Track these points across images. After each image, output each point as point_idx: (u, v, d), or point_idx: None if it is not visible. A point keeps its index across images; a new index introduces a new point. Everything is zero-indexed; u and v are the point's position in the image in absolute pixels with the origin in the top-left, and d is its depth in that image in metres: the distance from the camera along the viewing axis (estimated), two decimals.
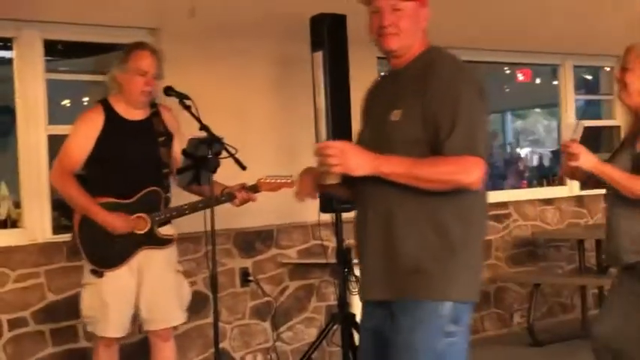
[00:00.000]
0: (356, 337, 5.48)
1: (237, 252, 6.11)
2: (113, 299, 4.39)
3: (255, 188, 4.64)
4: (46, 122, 5.50)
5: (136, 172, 4.40)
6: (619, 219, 3.80)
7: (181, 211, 4.52)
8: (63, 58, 6.14)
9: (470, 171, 2.79)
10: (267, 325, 6.20)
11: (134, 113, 4.46)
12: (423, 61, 3.00)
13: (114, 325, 4.43)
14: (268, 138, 6.26)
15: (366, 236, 2.97)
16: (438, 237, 2.84)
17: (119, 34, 5.73)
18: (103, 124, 4.41)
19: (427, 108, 2.84)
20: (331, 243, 6.04)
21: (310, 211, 5.53)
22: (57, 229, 5.54)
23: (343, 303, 5.50)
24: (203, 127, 4.34)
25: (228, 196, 4.56)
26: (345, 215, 5.66)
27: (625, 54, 3.89)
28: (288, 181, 4.62)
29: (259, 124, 6.21)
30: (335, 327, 5.53)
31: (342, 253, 5.54)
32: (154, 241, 4.44)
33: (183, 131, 4.63)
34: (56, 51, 5.79)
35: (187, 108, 4.39)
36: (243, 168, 4.39)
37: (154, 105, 4.61)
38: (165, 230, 4.50)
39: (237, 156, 4.37)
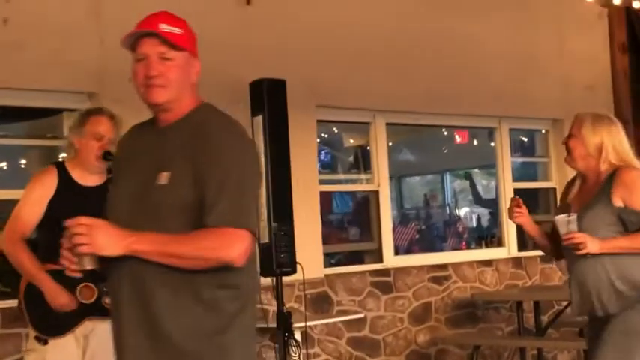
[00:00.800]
0: None
1: None
2: None
3: None
4: None
5: None
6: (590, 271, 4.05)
7: None
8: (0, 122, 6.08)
9: (232, 246, 2.60)
10: None
11: (89, 179, 4.39)
12: (194, 119, 2.78)
13: None
14: None
15: (122, 320, 2.76)
16: (208, 315, 2.66)
17: (58, 98, 5.72)
18: (56, 187, 4.35)
19: (197, 172, 2.63)
20: (272, 307, 6.02)
21: None
22: None
23: None
24: None
25: None
26: (285, 279, 5.66)
27: (572, 122, 4.19)
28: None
29: None
30: None
31: (283, 317, 5.52)
32: (99, 311, 4.33)
33: None
34: None
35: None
36: None
37: (110, 171, 4.55)
38: None
39: None
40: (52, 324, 4.32)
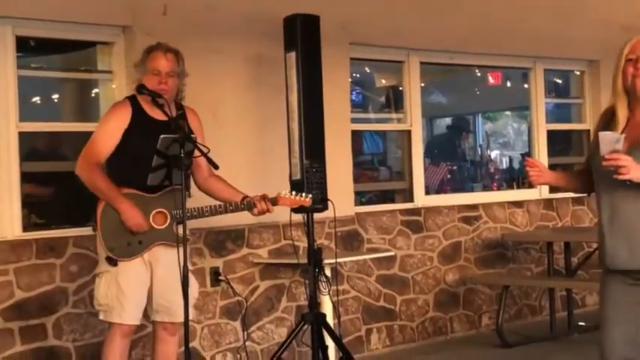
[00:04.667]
0: (326, 337, 5.50)
1: (207, 251, 6.10)
2: (129, 287, 4.47)
3: (274, 201, 4.76)
4: (17, 119, 5.46)
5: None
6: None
7: (202, 213, 4.61)
8: (34, 55, 6.09)
9: None
10: (237, 324, 6.20)
11: (159, 112, 4.49)
12: None
13: (130, 312, 4.50)
14: (240, 137, 6.26)
15: None
16: None
17: (92, 32, 5.73)
18: (130, 119, 4.56)
19: None
20: (302, 243, 6.06)
21: (282, 210, 5.53)
22: (27, 226, 5.51)
23: (314, 303, 5.51)
24: (176, 126, 4.35)
25: (248, 204, 4.69)
26: (316, 216, 5.67)
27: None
28: (307, 199, 4.80)
29: (232, 123, 6.20)
30: (305, 327, 5.54)
31: (314, 254, 5.55)
32: (170, 237, 4.47)
33: None
34: (28, 47, 5.74)
35: (160, 106, 4.42)
36: (216, 167, 4.41)
37: (180, 107, 4.71)
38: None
39: (209, 155, 4.37)
40: (123, 247, 4.48)
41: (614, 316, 3.61)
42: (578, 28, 8.14)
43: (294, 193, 4.82)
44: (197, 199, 4.74)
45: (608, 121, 3.63)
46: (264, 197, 4.71)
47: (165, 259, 4.47)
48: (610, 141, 3.33)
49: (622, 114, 3.55)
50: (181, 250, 4.16)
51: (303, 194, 4.83)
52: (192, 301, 4.59)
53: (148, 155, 4.43)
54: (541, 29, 7.91)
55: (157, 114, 4.52)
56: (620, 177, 3.34)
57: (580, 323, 7.40)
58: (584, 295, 8.32)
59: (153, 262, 4.53)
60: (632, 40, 3.58)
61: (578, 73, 8.78)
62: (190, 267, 4.49)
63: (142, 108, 4.59)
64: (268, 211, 4.73)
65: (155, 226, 4.50)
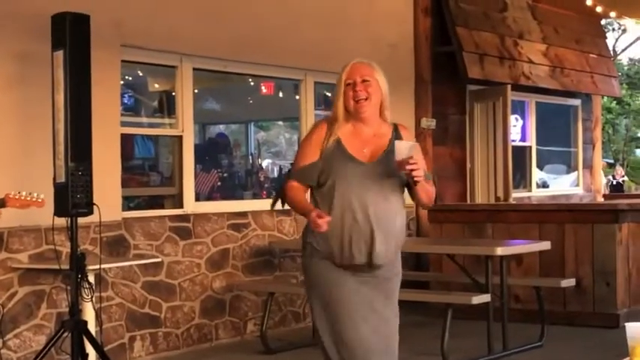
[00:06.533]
0: (87, 344, 5.36)
1: None
2: None
3: (1, 203, 4.37)
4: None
5: None
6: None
7: None
8: None
9: None
10: None
11: None
12: None
13: None
14: (3, 136, 6.00)
15: None
16: None
17: None
18: None
19: None
20: (65, 248, 5.88)
21: (44, 214, 5.35)
22: None
23: (75, 310, 5.36)
24: None
25: None
26: (81, 220, 5.53)
27: (357, 67, 3.92)
28: (39, 200, 4.40)
29: None
30: (65, 334, 5.38)
31: (77, 259, 5.39)
32: None
33: None
34: None
35: None
36: None
37: None
38: None
39: None
40: None
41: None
42: (347, 43, 8.43)
43: (24, 193, 4.46)
44: None
45: (324, 135, 3.88)
46: None
47: None
48: (405, 148, 3.67)
49: (340, 132, 3.85)
50: None
51: (36, 194, 4.49)
52: None
53: None
54: (312, 42, 8.14)
55: None
56: (416, 179, 3.70)
57: None
58: None
59: None
60: (347, 65, 3.93)
61: None
62: None
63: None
64: None
65: None
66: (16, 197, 4.37)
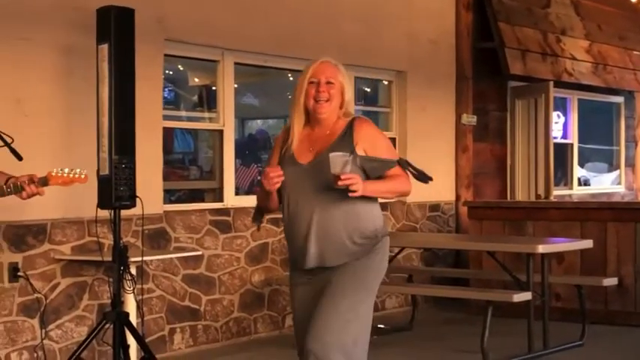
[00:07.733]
0: (128, 336, 5.41)
1: (6, 246, 5.85)
2: None
3: (44, 181, 4.23)
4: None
5: None
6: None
7: None
8: None
9: None
10: (35, 322, 5.98)
11: None
12: None
13: None
14: (47, 128, 6.05)
15: None
16: None
17: None
18: None
19: None
20: (108, 240, 5.92)
21: (87, 206, 5.38)
22: None
23: (117, 301, 5.40)
24: None
25: (15, 187, 4.10)
26: (124, 213, 5.57)
27: (323, 68, 3.91)
28: (82, 176, 4.34)
29: (38, 113, 5.99)
30: (107, 326, 5.42)
31: (120, 251, 5.43)
32: None
33: None
34: None
35: None
36: (20, 158, 4.20)
37: None
38: None
39: (12, 145, 4.18)
40: None
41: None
42: (386, 39, 8.40)
43: (66, 170, 4.24)
44: None
45: (288, 136, 3.90)
46: (31, 178, 4.11)
47: None
48: (340, 162, 3.59)
49: (297, 130, 3.86)
50: None
51: (79, 170, 4.27)
52: None
53: None
54: (351, 37, 8.12)
55: None
56: (353, 194, 3.62)
57: (380, 326, 7.61)
58: (384, 298, 8.58)
59: None
60: (314, 63, 3.90)
61: (386, 82, 9.05)
62: None
63: None
64: (38, 193, 4.15)
65: None
66: (59, 174, 4.27)
